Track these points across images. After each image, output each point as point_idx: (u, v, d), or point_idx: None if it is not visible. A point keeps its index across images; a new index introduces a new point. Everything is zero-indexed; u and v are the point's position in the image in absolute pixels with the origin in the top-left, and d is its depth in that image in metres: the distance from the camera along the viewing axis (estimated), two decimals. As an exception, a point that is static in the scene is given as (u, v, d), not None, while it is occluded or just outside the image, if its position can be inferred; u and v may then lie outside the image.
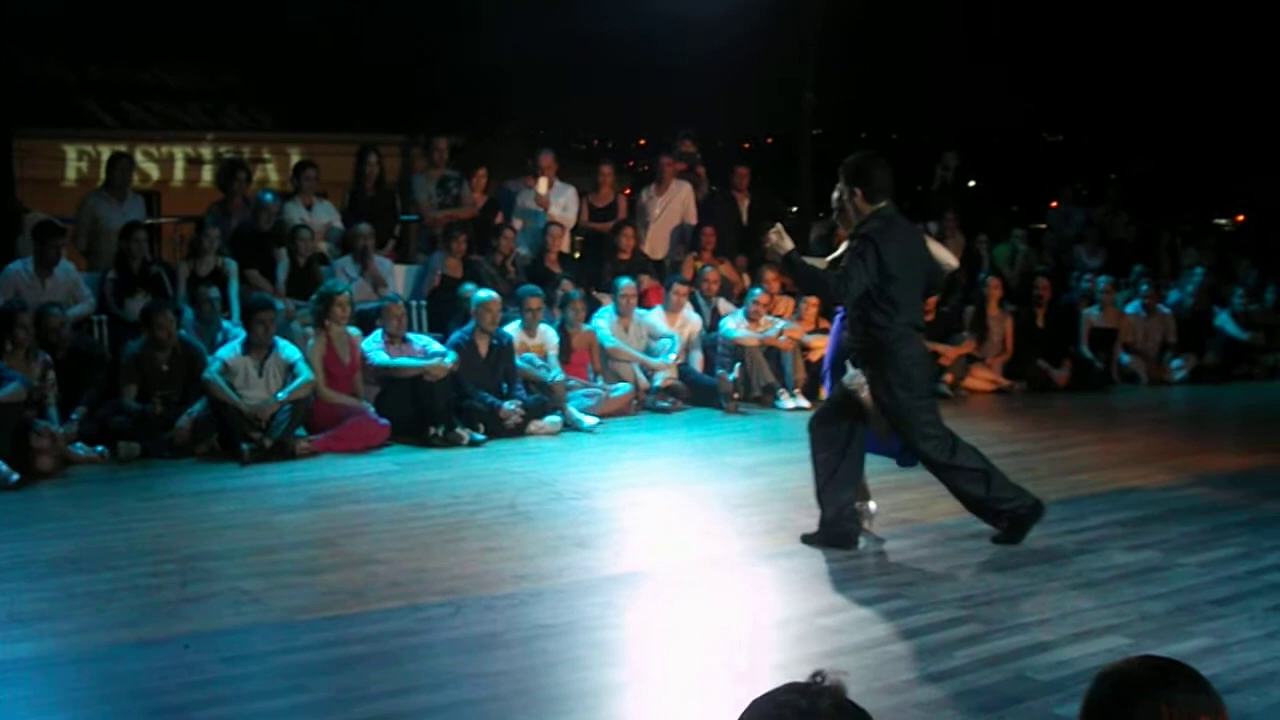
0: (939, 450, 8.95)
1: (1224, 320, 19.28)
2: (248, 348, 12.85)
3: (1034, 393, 17.12)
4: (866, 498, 9.41)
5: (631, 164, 32.31)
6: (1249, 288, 19.97)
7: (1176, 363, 18.46)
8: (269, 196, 15.78)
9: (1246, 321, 19.37)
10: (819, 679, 2.58)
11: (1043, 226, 23.21)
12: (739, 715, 2.58)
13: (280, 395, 12.67)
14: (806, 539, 9.10)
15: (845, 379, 9.03)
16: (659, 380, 15.50)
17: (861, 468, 9.27)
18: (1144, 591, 7.95)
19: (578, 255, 18.45)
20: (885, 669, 6.57)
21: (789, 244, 8.93)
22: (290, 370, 12.88)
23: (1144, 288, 18.79)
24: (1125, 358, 18.34)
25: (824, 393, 10.21)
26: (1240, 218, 33.10)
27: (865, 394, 8.93)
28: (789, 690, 2.57)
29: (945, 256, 9.85)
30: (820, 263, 9.26)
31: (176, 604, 7.76)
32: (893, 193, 8.99)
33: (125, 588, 8.11)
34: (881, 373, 8.83)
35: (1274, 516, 10.04)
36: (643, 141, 35.34)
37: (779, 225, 9.11)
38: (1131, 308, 18.72)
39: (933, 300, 15.87)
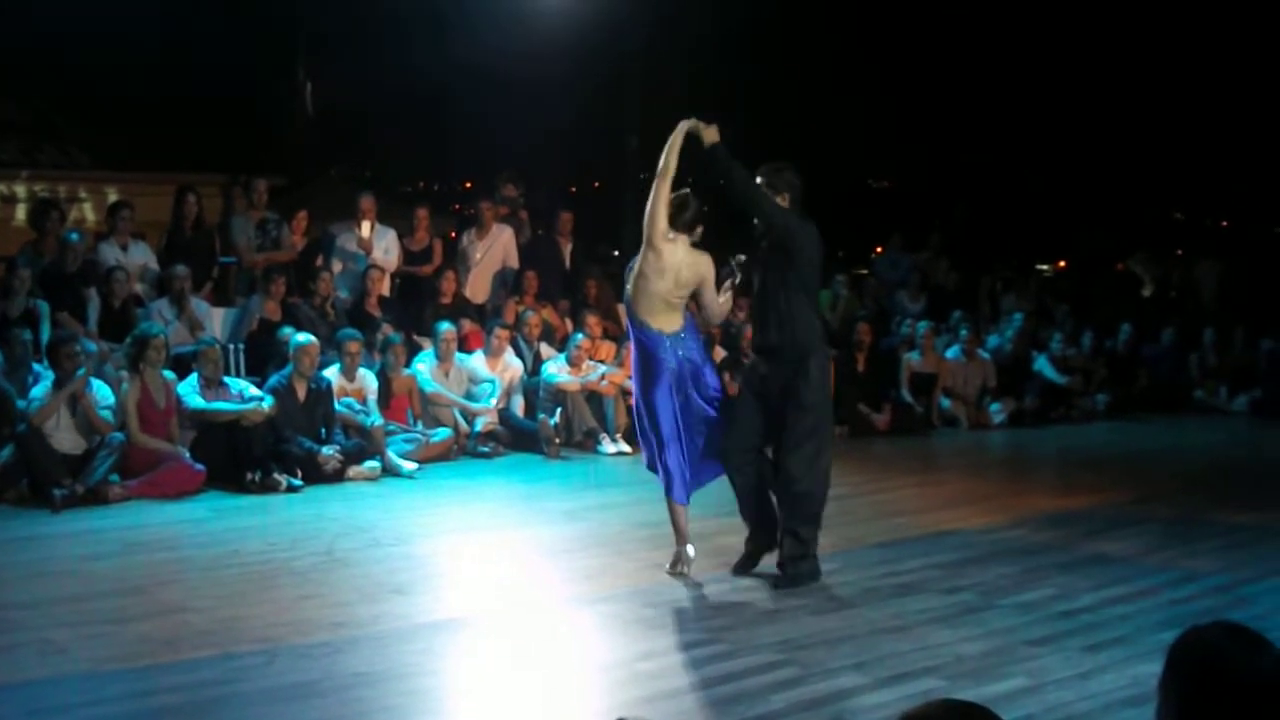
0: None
1: (1042, 364, 19.62)
2: (57, 386, 12.55)
3: (855, 437, 17.19)
4: (685, 542, 9.45)
5: (458, 207, 32.23)
6: (1067, 333, 20.35)
7: (995, 407, 18.70)
8: (74, 236, 15.49)
9: (1064, 366, 19.73)
10: (620, 725, 2.56)
11: (864, 272, 23.47)
12: None
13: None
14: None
15: None
16: (480, 425, 15.40)
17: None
18: (961, 633, 8.03)
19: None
20: (704, 713, 6.57)
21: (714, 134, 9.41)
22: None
23: (964, 333, 19.01)
24: (945, 402, 18.54)
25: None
26: (1062, 264, 33.75)
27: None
28: None
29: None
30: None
31: (-21, 655, 7.54)
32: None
33: (-75, 639, 7.89)
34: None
35: (1090, 557, 10.22)
36: (468, 185, 35.26)
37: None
38: (951, 353, 18.93)
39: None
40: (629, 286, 9.56)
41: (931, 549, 10.48)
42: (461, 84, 26.19)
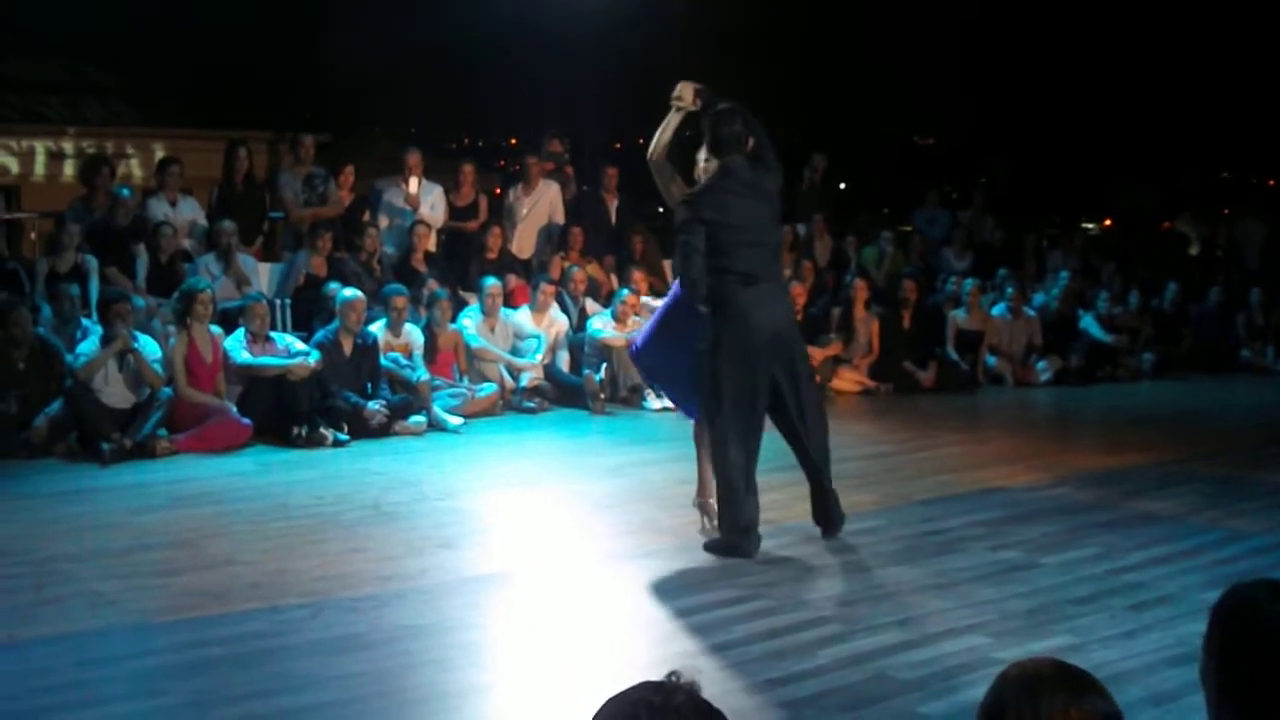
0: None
1: (1088, 323, 19.49)
2: (106, 343, 12.64)
3: (900, 394, 17.17)
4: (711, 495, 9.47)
5: (503, 163, 32.21)
6: (1113, 291, 20.23)
7: (1041, 365, 18.61)
8: (125, 191, 15.56)
9: (1110, 324, 19.61)
10: (674, 677, 2.57)
11: (909, 229, 23.37)
12: (594, 715, 2.57)
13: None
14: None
15: None
16: (525, 380, 15.42)
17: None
18: (1005, 591, 8.01)
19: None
20: (747, 669, 6.58)
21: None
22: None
23: (1009, 290, 18.90)
24: (991, 359, 18.47)
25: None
26: (1108, 222, 33.58)
27: None
28: (643, 688, 2.55)
29: None
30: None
31: (30, 607, 7.61)
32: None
33: (-23, 591, 7.96)
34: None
35: (1135, 516, 10.15)
36: (514, 141, 35.24)
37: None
38: (997, 310, 18.84)
39: (800, 300, 16.17)
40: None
41: (976, 506, 10.44)
42: (504, 40, 26.15)
